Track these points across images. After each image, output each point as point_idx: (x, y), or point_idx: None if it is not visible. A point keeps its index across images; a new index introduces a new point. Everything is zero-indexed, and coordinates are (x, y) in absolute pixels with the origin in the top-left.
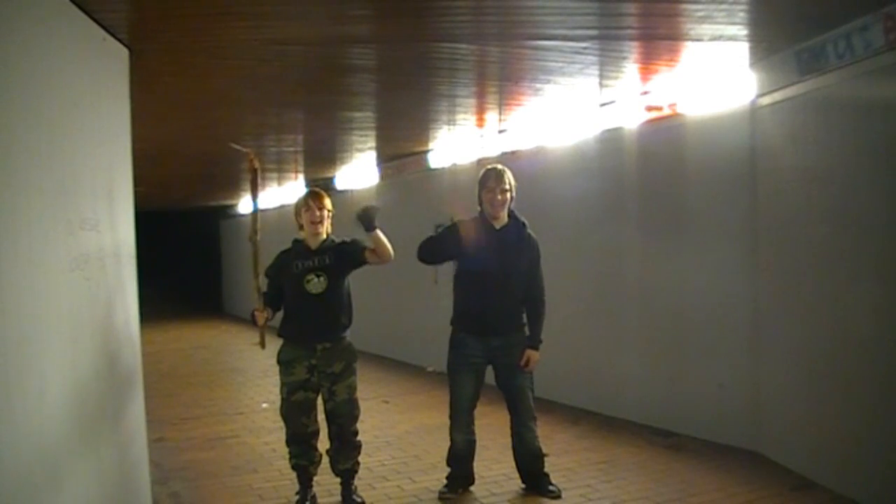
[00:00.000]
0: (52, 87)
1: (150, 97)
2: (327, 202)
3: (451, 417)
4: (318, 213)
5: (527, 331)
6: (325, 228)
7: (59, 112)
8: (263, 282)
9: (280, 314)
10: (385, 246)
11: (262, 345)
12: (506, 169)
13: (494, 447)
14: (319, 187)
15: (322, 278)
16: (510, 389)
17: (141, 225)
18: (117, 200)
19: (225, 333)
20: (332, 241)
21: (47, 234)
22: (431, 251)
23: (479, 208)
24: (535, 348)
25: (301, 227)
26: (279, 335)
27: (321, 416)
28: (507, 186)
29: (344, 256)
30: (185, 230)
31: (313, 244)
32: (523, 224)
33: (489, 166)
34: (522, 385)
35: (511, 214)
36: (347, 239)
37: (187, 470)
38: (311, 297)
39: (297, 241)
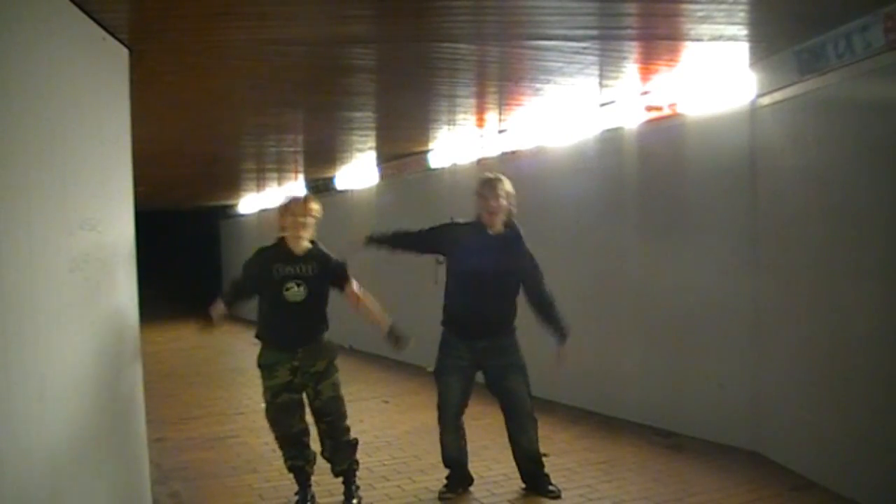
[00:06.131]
0: (52, 87)
1: (150, 97)
2: (313, 207)
3: (439, 421)
4: (300, 219)
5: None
6: (310, 234)
7: (59, 112)
8: None
9: (248, 311)
10: (371, 313)
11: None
12: (501, 178)
13: (494, 447)
14: (312, 189)
15: (302, 287)
16: (502, 392)
17: (141, 225)
18: (117, 200)
19: (225, 333)
20: (319, 249)
21: (47, 234)
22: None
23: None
24: (563, 341)
25: (283, 228)
26: (257, 337)
27: (309, 418)
28: (501, 194)
29: (328, 274)
30: (185, 230)
31: (297, 249)
32: (518, 235)
33: (485, 175)
34: (516, 387)
35: (508, 224)
36: (336, 258)
37: (187, 470)
38: (289, 304)
39: (280, 241)
